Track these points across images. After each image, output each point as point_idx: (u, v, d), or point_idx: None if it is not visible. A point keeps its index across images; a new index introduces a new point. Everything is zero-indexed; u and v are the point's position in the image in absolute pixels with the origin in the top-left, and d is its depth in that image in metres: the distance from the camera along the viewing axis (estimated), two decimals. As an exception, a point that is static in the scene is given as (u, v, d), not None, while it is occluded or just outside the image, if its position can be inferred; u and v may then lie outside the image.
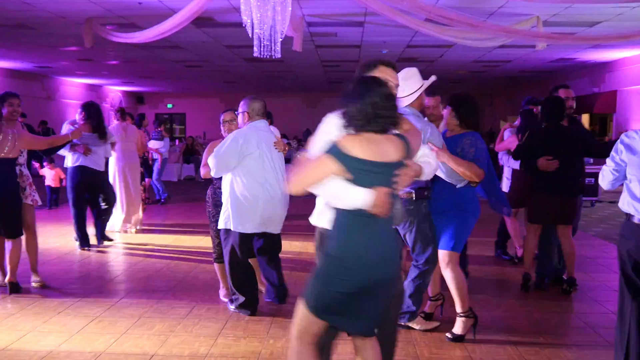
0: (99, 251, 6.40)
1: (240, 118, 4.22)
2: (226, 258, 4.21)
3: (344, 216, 2.28)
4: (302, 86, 22.08)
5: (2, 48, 13.23)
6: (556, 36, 9.11)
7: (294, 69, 16.46)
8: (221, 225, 4.14)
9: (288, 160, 4.36)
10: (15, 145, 4.55)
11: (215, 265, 4.58)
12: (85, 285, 5.07)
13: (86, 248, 6.39)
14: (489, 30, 7.60)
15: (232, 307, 4.30)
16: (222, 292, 4.63)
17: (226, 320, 4.08)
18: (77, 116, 6.41)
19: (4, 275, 4.83)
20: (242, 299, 4.19)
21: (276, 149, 4.14)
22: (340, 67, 16.25)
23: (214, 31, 10.94)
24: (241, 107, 4.19)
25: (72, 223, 6.47)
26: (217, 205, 4.32)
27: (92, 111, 6.34)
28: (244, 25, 6.54)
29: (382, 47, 12.61)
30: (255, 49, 6.63)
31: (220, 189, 4.31)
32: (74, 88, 20.90)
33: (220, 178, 4.28)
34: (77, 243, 6.46)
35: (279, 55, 6.50)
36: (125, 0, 8.45)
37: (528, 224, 4.88)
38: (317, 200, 2.63)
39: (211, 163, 3.98)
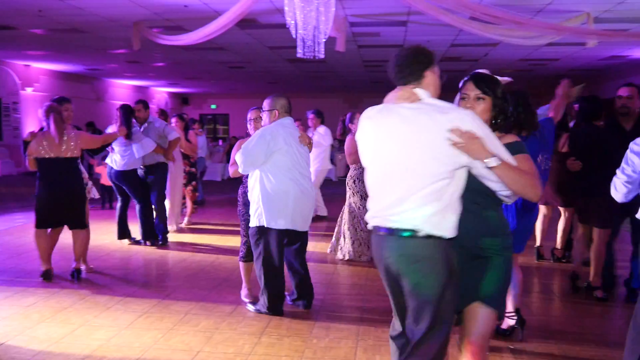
0: (146, 249, 6.56)
1: (266, 116, 4.20)
2: (258, 257, 4.17)
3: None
4: (343, 86, 22.07)
5: (56, 51, 13.74)
6: (608, 33, 8.81)
7: (336, 69, 16.47)
8: (254, 223, 4.13)
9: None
10: (77, 145, 5.01)
11: (241, 264, 4.58)
12: (134, 281, 5.21)
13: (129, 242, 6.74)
14: (536, 28, 7.42)
15: (252, 308, 4.29)
16: (243, 292, 4.59)
17: (270, 319, 4.11)
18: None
19: (48, 264, 5.15)
20: (265, 302, 4.17)
21: (301, 143, 4.18)
22: (382, 67, 16.17)
23: (257, 32, 11.06)
24: (267, 105, 4.19)
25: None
26: (247, 204, 4.32)
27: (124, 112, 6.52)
28: (287, 27, 6.60)
29: (425, 47, 12.48)
30: (298, 49, 6.68)
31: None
32: (121, 89, 21.51)
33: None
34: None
35: (322, 56, 6.53)
36: (172, 3, 8.63)
37: (578, 224, 4.88)
38: None
39: (239, 160, 4.00)
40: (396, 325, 2.41)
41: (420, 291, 2.20)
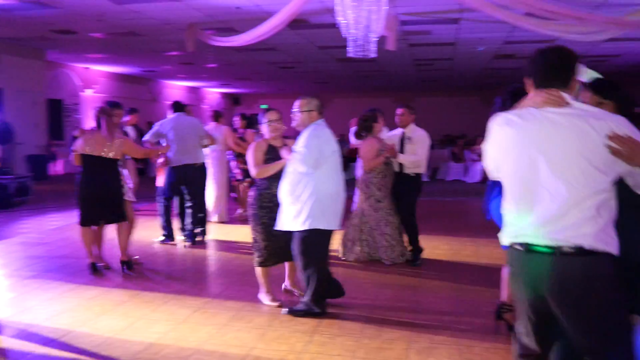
0: (199, 246, 6.71)
1: (305, 117, 4.16)
2: (310, 261, 4.11)
3: None
4: (393, 85, 21.93)
5: (114, 54, 14.25)
6: (675, 27, 8.39)
7: (386, 68, 16.37)
8: (303, 226, 4.05)
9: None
10: (120, 150, 5.30)
11: (259, 270, 4.44)
12: (188, 278, 5.35)
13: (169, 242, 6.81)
14: (597, 23, 7.14)
15: (288, 310, 4.23)
16: (267, 297, 4.47)
17: (322, 318, 4.14)
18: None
19: (92, 257, 5.42)
20: (313, 303, 4.14)
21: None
22: (433, 66, 15.97)
23: (307, 33, 11.13)
24: (305, 105, 4.15)
25: (178, 219, 6.97)
26: (264, 207, 4.29)
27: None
28: (338, 26, 6.61)
29: (478, 44, 12.25)
30: (349, 49, 6.68)
31: (266, 190, 4.29)
32: (175, 90, 22.08)
33: (265, 179, 4.28)
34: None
35: (374, 55, 6.51)
36: (224, 6, 8.81)
37: None
38: None
39: (303, 162, 3.96)
40: (530, 346, 2.26)
41: (589, 312, 2.05)
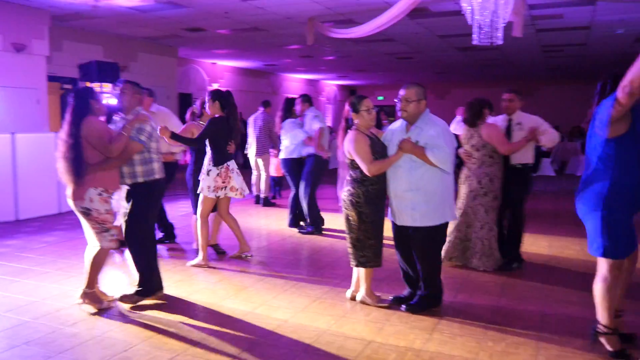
0: (317, 237, 6.82)
1: (414, 106, 3.93)
2: (437, 254, 4.14)
3: None
4: (515, 74, 20.76)
5: (238, 49, 14.91)
6: None
7: (510, 56, 15.54)
8: (439, 221, 3.99)
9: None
10: None
11: (365, 271, 4.19)
12: (306, 267, 5.47)
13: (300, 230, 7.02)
14: None
15: (407, 307, 4.11)
16: (372, 298, 4.25)
17: (442, 315, 4.01)
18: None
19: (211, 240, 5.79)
20: (430, 298, 4.10)
21: None
22: (563, 52, 14.89)
23: (427, 21, 10.85)
24: (415, 94, 3.92)
25: (289, 208, 7.21)
26: (371, 204, 4.04)
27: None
28: (462, 13, 6.34)
29: (616, 27, 11.20)
30: (474, 36, 6.39)
31: (373, 185, 4.02)
32: (294, 83, 22.67)
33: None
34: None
35: (500, 42, 6.18)
36: (345, -3, 8.83)
37: None
38: None
39: (449, 162, 3.87)
40: None
41: None
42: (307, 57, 16.34)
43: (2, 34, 9.31)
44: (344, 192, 4.14)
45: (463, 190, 5.24)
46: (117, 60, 11.35)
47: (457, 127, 7.66)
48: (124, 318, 3.97)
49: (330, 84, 26.03)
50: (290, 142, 6.93)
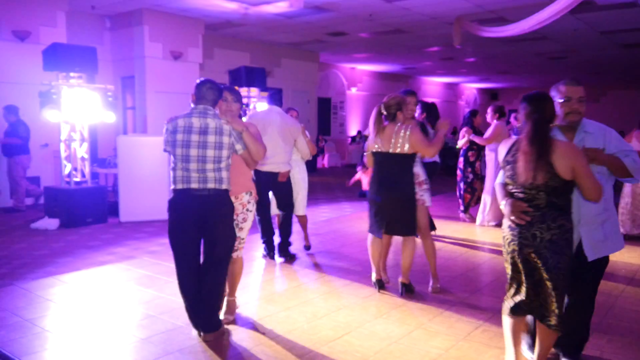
0: (483, 253, 6.34)
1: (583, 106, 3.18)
2: (596, 290, 3.29)
3: None
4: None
5: (378, 53, 14.72)
6: None
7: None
8: (610, 250, 3.18)
9: None
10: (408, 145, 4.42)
11: (508, 320, 3.18)
12: (461, 286, 4.98)
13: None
14: None
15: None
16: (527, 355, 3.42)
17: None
18: None
19: (378, 274, 4.77)
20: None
21: None
22: None
23: (590, 16, 9.81)
24: (584, 93, 3.15)
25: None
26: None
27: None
28: (637, 4, 5.51)
29: None
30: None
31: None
32: (433, 87, 22.03)
33: None
34: None
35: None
36: (499, -6, 8.23)
37: None
38: None
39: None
40: None
41: None
42: (448, 59, 15.73)
43: (163, 43, 9.95)
44: (540, 227, 2.85)
45: None
46: (263, 66, 11.68)
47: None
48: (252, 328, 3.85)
49: (470, 87, 24.95)
50: None
